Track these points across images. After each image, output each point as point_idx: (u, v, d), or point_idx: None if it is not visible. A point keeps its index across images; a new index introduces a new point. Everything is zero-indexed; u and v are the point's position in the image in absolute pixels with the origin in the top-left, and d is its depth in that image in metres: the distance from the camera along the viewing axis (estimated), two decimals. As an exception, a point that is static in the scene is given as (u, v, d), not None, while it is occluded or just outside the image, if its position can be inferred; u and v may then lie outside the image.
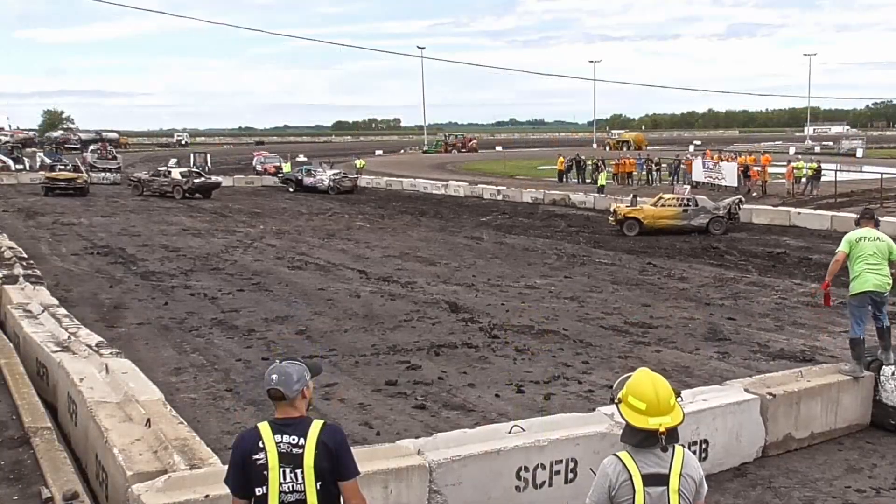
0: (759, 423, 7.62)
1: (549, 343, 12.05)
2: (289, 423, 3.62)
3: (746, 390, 7.78)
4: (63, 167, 43.39)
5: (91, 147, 65.28)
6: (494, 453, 6.07)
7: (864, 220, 8.79)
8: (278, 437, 3.59)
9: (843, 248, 8.50)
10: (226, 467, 3.78)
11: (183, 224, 28.93)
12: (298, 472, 3.57)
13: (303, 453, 3.57)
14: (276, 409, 3.67)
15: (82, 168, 45.59)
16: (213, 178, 44.08)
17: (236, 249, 22.42)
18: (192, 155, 59.69)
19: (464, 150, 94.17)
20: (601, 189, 37.43)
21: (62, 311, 11.37)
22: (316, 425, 3.63)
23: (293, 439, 3.59)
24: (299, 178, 45.44)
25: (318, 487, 3.59)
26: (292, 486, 3.58)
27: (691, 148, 70.44)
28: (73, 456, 6.91)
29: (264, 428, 3.64)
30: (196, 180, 41.34)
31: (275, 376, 3.63)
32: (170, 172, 42.32)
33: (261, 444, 3.59)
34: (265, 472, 3.56)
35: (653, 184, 43.33)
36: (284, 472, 3.56)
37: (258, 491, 3.58)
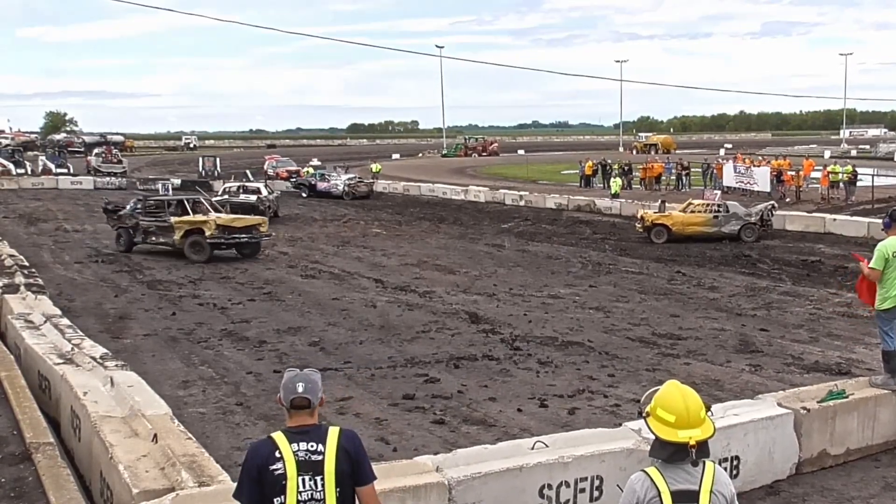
0: (792, 439, 7.48)
1: (574, 355, 11.85)
2: (304, 431, 3.66)
3: (779, 404, 7.64)
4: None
5: (95, 150, 63.78)
6: (516, 470, 5.96)
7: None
8: (295, 446, 3.62)
9: (878, 265, 8.08)
10: (235, 484, 3.80)
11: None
12: (318, 478, 3.60)
13: (323, 460, 3.61)
14: (291, 418, 3.71)
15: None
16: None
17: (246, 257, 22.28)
18: (200, 159, 58.67)
19: (484, 154, 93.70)
20: (615, 195, 37.05)
21: (65, 321, 11.26)
22: (334, 431, 3.71)
23: (311, 446, 3.63)
24: (312, 182, 44.54)
25: (338, 493, 3.64)
26: (311, 494, 3.61)
27: (722, 151, 69.82)
28: (77, 473, 6.87)
29: (279, 437, 3.65)
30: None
31: (301, 385, 3.69)
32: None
33: (277, 454, 3.60)
34: (283, 482, 3.58)
35: (682, 189, 42.87)
36: (304, 479, 3.59)
37: (276, 501, 3.60)
